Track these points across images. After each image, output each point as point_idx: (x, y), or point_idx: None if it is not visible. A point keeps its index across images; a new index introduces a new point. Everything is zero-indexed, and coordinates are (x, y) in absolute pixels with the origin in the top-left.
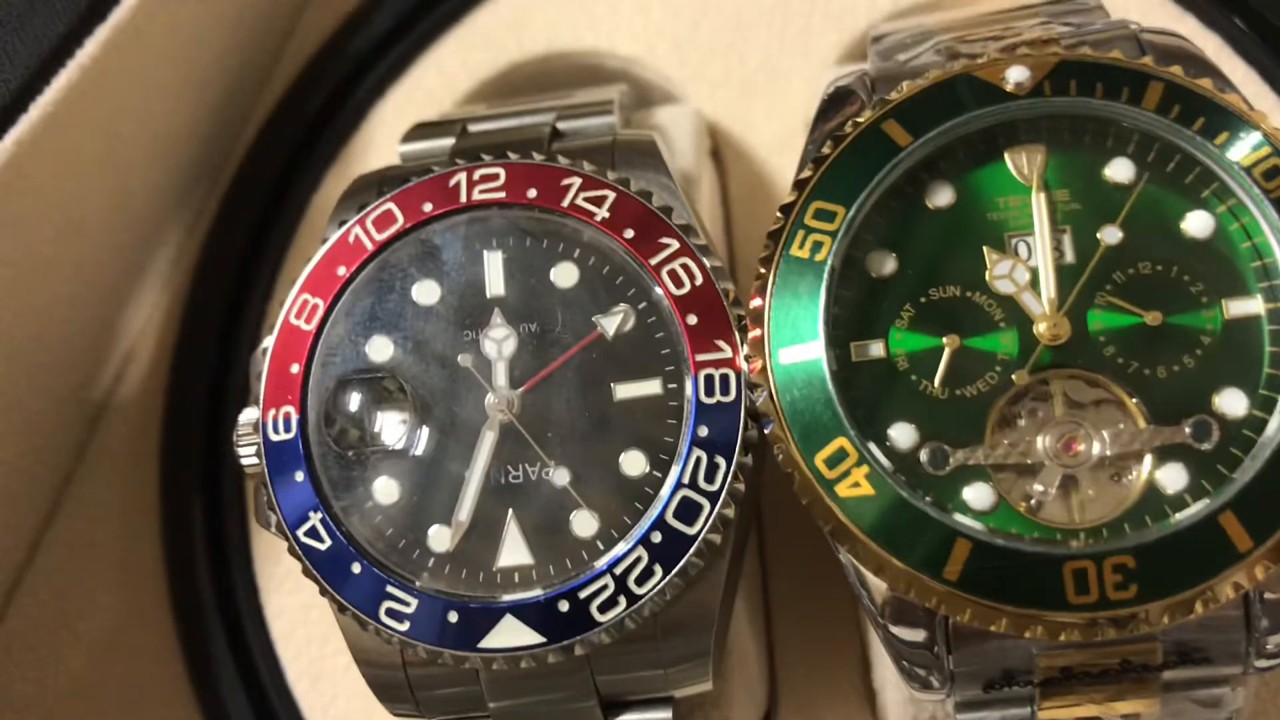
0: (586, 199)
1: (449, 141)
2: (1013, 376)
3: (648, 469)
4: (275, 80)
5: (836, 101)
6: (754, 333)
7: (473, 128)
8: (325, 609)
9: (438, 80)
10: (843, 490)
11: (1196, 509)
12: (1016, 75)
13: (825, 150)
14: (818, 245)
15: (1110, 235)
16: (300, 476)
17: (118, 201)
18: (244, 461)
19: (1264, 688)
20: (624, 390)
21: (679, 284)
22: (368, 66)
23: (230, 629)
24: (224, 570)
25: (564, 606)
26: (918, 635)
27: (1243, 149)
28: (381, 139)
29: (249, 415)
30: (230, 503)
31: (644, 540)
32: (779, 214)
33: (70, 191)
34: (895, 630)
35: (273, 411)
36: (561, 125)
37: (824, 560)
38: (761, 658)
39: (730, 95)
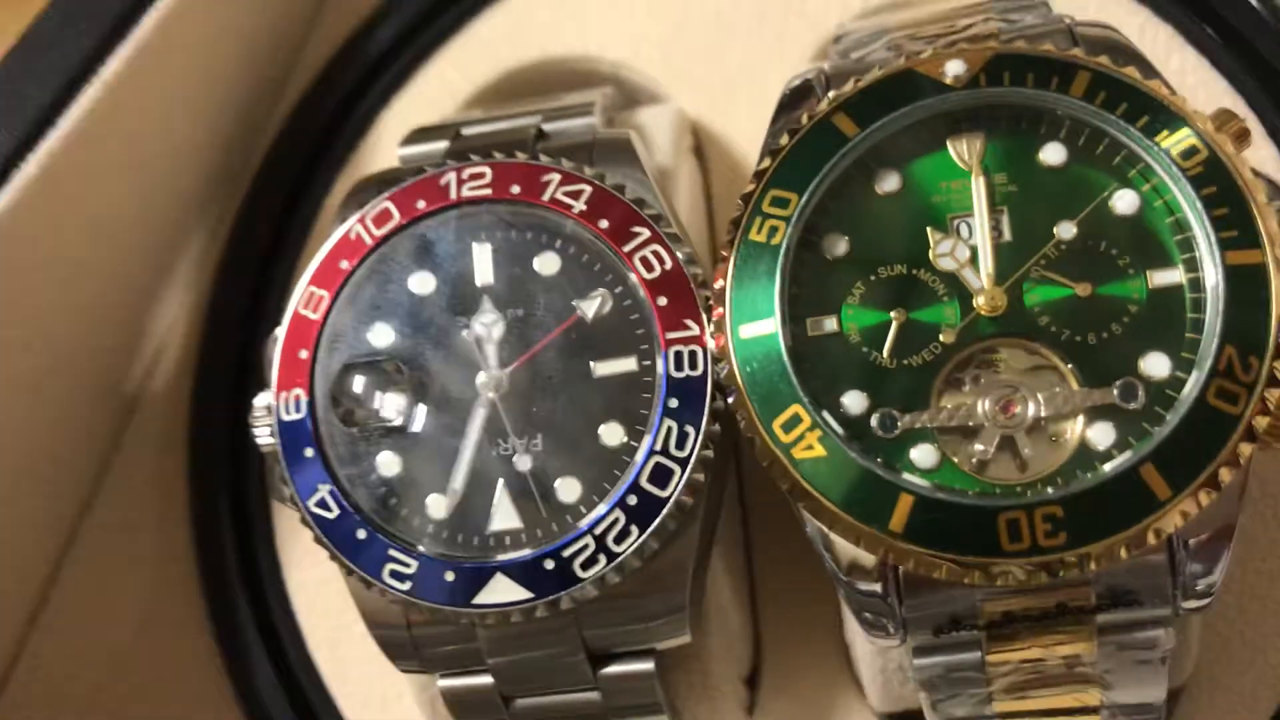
0: (565, 193)
1: (443, 144)
2: (941, 337)
3: (625, 439)
4: (289, 91)
5: (795, 97)
6: (717, 311)
7: (465, 131)
8: (342, 583)
9: (439, 88)
10: (798, 453)
11: (1119, 461)
12: (954, 69)
13: (782, 142)
14: (774, 230)
15: (1064, 230)
16: (310, 453)
17: (143, 208)
18: (259, 441)
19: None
20: (602, 368)
21: (650, 269)
22: (374, 76)
23: (255, 603)
24: (249, 548)
25: (549, 565)
26: (874, 587)
27: (1163, 131)
28: (388, 144)
29: (263, 399)
30: (254, 485)
31: (621, 503)
32: (740, 201)
33: (98, 199)
34: (854, 583)
35: (284, 394)
36: (546, 127)
37: (803, 530)
38: (745, 618)
39: (712, 95)
